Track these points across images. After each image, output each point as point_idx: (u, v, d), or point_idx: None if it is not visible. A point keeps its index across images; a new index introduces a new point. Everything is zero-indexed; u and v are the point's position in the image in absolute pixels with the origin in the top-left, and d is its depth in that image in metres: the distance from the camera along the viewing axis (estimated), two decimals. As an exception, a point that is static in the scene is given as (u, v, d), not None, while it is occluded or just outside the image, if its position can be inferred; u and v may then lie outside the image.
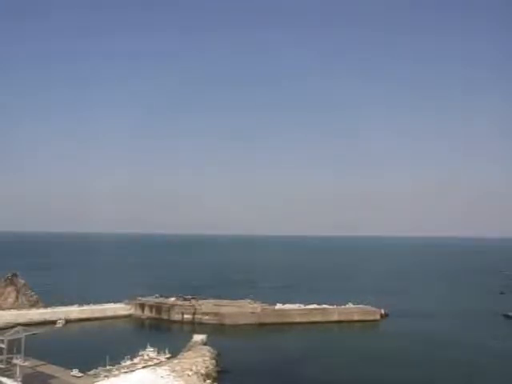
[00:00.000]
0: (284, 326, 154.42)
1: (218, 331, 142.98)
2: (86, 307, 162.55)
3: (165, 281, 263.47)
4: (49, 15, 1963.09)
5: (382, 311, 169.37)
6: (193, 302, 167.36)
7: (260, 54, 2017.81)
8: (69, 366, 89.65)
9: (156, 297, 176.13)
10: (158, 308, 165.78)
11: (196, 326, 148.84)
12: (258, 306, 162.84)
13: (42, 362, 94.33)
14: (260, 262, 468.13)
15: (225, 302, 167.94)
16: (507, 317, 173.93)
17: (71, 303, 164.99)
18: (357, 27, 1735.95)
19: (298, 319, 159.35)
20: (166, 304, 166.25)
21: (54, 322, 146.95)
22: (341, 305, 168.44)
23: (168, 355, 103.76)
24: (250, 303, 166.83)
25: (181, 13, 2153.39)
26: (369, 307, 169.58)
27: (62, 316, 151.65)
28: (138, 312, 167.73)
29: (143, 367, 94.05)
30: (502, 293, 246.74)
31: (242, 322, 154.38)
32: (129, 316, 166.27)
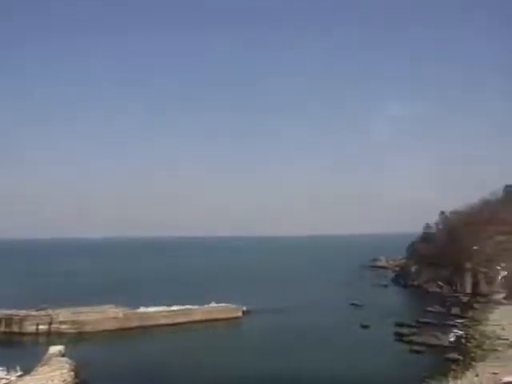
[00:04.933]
0: (148, 329, 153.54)
1: (77, 340, 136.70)
2: None
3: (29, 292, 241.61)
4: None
5: (244, 308, 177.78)
6: (49, 311, 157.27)
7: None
8: None
9: (7, 308, 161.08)
10: (7, 321, 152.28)
11: (53, 337, 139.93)
12: (119, 311, 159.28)
13: None
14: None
15: (84, 308, 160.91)
16: (354, 305, 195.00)
17: None
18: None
19: (162, 321, 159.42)
20: (17, 315, 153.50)
21: None
22: (204, 304, 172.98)
23: (19, 373, 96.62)
24: (110, 308, 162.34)
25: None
26: (231, 305, 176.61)
27: None
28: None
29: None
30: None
31: (102, 328, 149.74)
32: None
